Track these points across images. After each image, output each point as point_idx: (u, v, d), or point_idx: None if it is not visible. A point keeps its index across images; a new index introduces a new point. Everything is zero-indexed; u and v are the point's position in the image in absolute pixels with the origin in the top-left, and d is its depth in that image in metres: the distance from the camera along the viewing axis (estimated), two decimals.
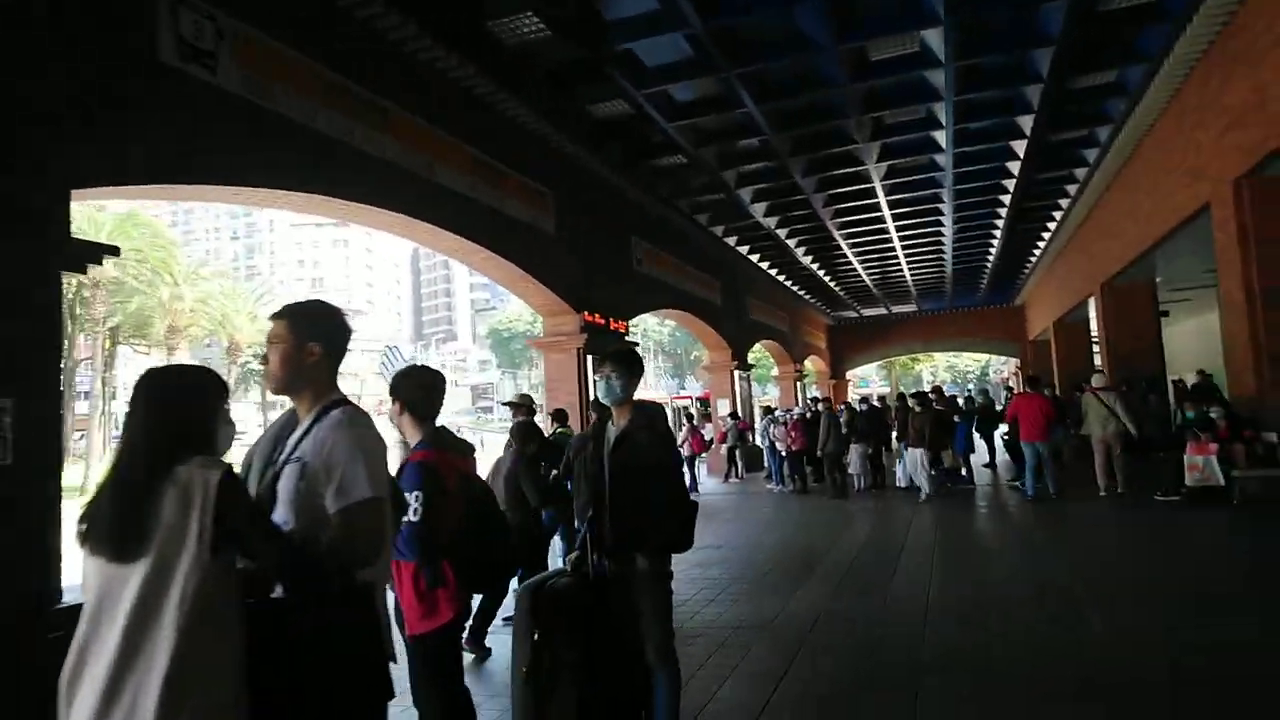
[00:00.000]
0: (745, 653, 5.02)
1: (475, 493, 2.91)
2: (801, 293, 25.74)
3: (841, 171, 13.12)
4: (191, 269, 36.03)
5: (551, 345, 11.38)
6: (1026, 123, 11.15)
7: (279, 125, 6.42)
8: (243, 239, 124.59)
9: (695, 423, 15.78)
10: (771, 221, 15.78)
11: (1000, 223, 17.05)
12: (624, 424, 3.31)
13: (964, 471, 13.43)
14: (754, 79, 9.47)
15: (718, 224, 16.05)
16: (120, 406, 48.60)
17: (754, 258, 19.17)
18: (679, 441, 15.34)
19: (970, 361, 73.93)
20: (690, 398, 20.10)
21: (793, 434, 13.64)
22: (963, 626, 5.33)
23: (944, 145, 11.87)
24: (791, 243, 17.67)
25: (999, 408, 15.13)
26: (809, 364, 32.27)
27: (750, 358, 20.90)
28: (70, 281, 32.64)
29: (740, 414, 18.13)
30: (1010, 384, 33.21)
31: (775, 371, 28.40)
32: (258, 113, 6.24)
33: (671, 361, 74.83)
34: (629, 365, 3.35)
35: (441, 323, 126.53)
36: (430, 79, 8.13)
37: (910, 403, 12.63)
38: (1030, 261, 22.52)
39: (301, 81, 6.66)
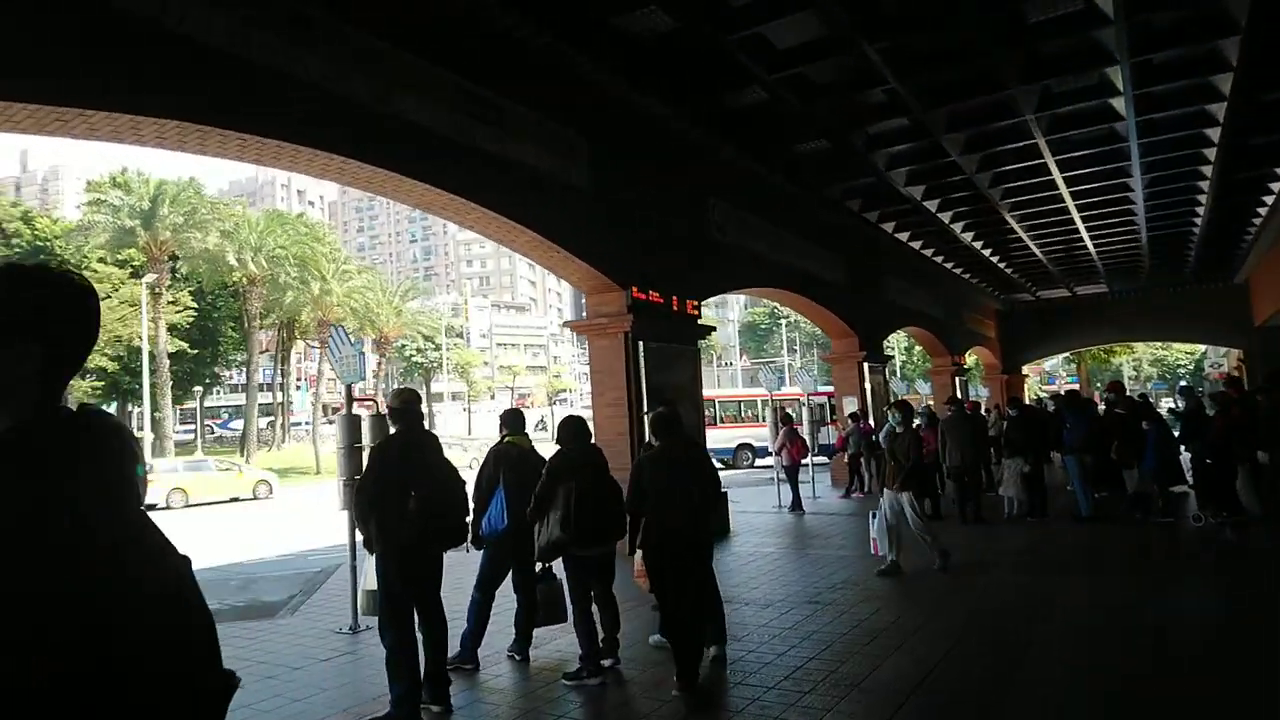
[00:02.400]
0: None
1: None
2: (960, 272, 21.96)
3: (998, 126, 10.16)
4: (340, 266, 37.48)
5: (592, 329, 9.35)
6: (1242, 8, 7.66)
7: (144, 31, 4.85)
8: (420, 242, 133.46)
9: (795, 424, 13.01)
10: (900, 176, 12.80)
11: (1208, 170, 12.90)
12: None
13: (1159, 500, 9.96)
14: None
15: (831, 184, 13.30)
16: (296, 395, 52.18)
17: (887, 227, 16.09)
18: (774, 447, 12.86)
19: (1181, 354, 63.76)
20: (800, 396, 17.20)
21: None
22: None
23: (1118, 56, 8.56)
24: (930, 204, 14.47)
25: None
26: (972, 357, 28.06)
27: (899, 349, 17.75)
28: (240, 280, 34.89)
29: (871, 415, 15.22)
30: (1233, 378, 27.12)
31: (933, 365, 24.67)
32: (108, 10, 4.70)
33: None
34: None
35: None
36: None
37: (890, 416, 7.70)
38: (1255, 223, 17.56)
39: None
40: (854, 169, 12.38)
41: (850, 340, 15.97)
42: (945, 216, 15.39)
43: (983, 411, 15.40)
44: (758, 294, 14.62)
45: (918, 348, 33.93)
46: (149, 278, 29.23)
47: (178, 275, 36.50)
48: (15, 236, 44.19)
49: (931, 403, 18.94)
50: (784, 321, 62.15)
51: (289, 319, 40.19)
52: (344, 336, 6.42)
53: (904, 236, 16.93)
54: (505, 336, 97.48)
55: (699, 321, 10.37)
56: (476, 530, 4.97)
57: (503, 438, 5.23)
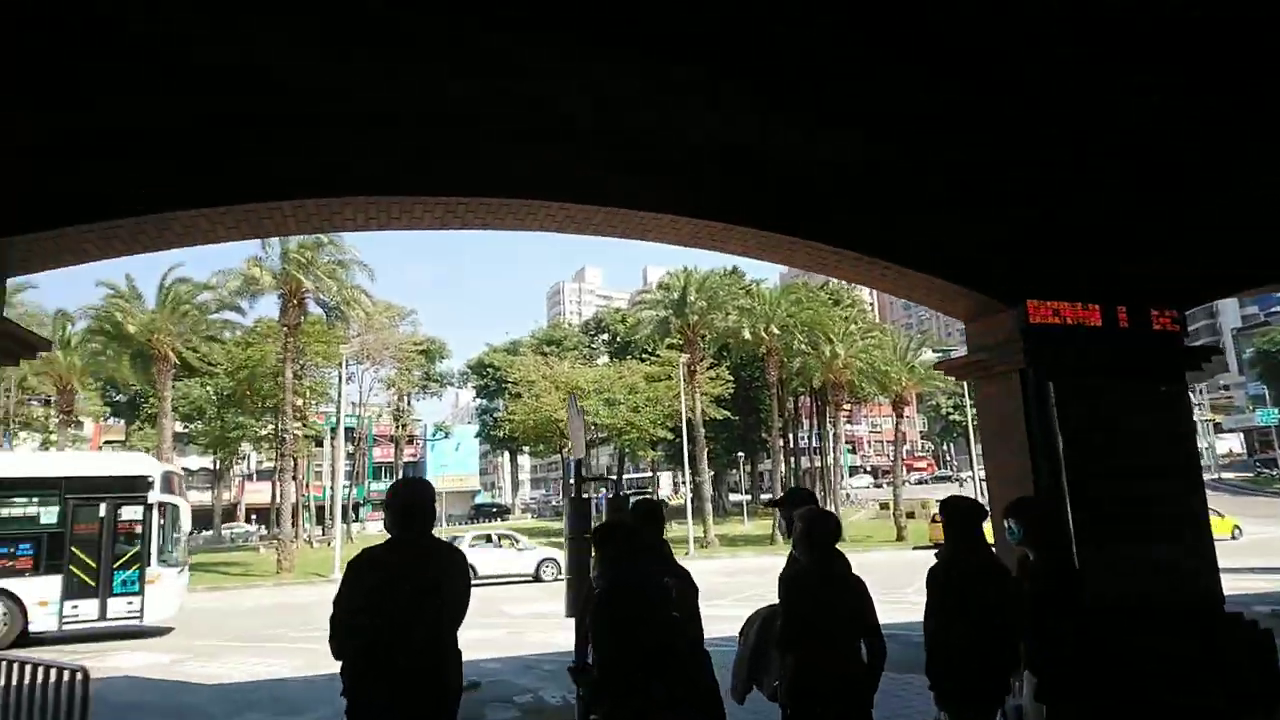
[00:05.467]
0: None
1: None
2: None
3: None
4: (847, 328, 37.40)
5: (973, 370, 6.50)
6: None
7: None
8: None
9: None
10: None
11: None
12: None
13: None
14: None
15: None
16: (835, 460, 53.60)
17: None
18: None
19: None
20: None
21: None
22: None
23: None
24: None
25: None
26: None
27: None
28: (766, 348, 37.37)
29: None
30: None
31: None
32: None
33: None
34: None
35: None
36: None
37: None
38: None
39: None
40: None
41: None
42: None
43: None
44: None
45: None
46: (684, 357, 33.44)
47: (721, 353, 41.24)
48: (608, 332, 56.43)
49: None
50: None
51: (811, 383, 41.53)
52: (577, 407, 5.49)
53: None
54: None
55: (1185, 342, 6.45)
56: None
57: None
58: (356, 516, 50.67)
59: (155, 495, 14.26)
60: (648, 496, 4.72)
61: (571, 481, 5.41)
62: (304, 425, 39.46)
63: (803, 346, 35.56)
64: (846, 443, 73.52)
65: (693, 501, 32.89)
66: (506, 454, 73.47)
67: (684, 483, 33.26)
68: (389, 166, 4.85)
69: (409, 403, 57.82)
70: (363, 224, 5.54)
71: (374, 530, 52.88)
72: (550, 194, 5.13)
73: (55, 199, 4.26)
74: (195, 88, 4.47)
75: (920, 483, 68.47)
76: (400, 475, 58.86)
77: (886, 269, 6.07)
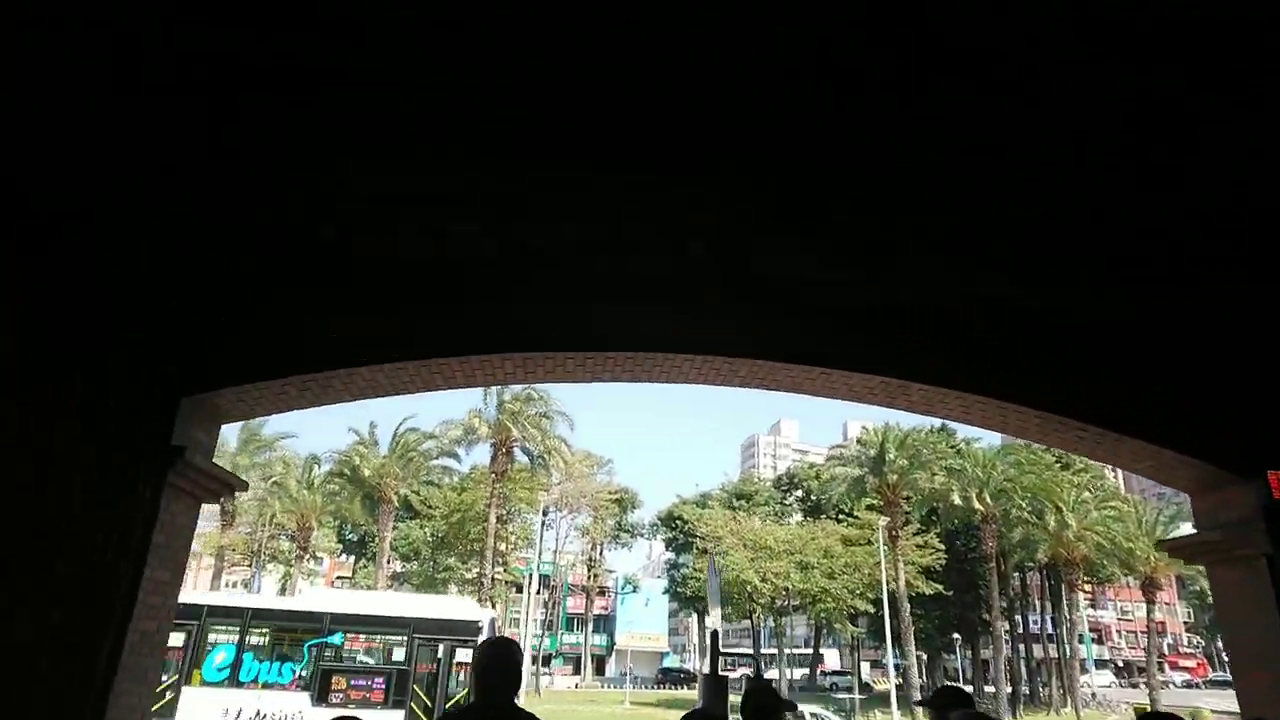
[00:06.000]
0: None
1: None
2: None
3: None
4: (1079, 495, 33.02)
5: (1205, 551, 5.37)
6: None
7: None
8: None
9: None
10: None
11: None
12: None
13: None
14: None
15: None
16: (1072, 650, 46.13)
17: None
18: None
19: None
20: None
21: None
22: None
23: None
24: None
25: None
26: None
27: None
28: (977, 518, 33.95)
29: None
30: None
31: None
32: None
33: None
34: None
35: None
36: None
37: None
38: None
39: None
40: None
41: None
42: None
43: None
44: None
45: None
46: (882, 520, 31.14)
47: (929, 517, 37.94)
48: (801, 488, 54.20)
49: None
50: None
51: (1036, 557, 36.70)
52: (716, 568, 5.18)
53: None
54: None
55: None
56: None
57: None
58: (547, 667, 50.66)
59: (484, 639, 15.05)
60: (764, 681, 4.11)
61: (708, 655, 5.00)
62: (505, 569, 40.97)
63: (1024, 515, 31.80)
64: (1090, 630, 63.06)
65: (899, 689, 29.40)
66: (695, 614, 70.95)
67: (891, 662, 29.98)
68: (543, 327, 5.17)
69: (601, 552, 58.31)
70: (523, 377, 5.89)
71: (562, 685, 52.31)
72: (693, 348, 5.16)
73: (264, 357, 4.95)
74: (386, 269, 5.11)
75: (1189, 685, 56.48)
76: (591, 627, 58.68)
77: (1081, 431, 5.33)
